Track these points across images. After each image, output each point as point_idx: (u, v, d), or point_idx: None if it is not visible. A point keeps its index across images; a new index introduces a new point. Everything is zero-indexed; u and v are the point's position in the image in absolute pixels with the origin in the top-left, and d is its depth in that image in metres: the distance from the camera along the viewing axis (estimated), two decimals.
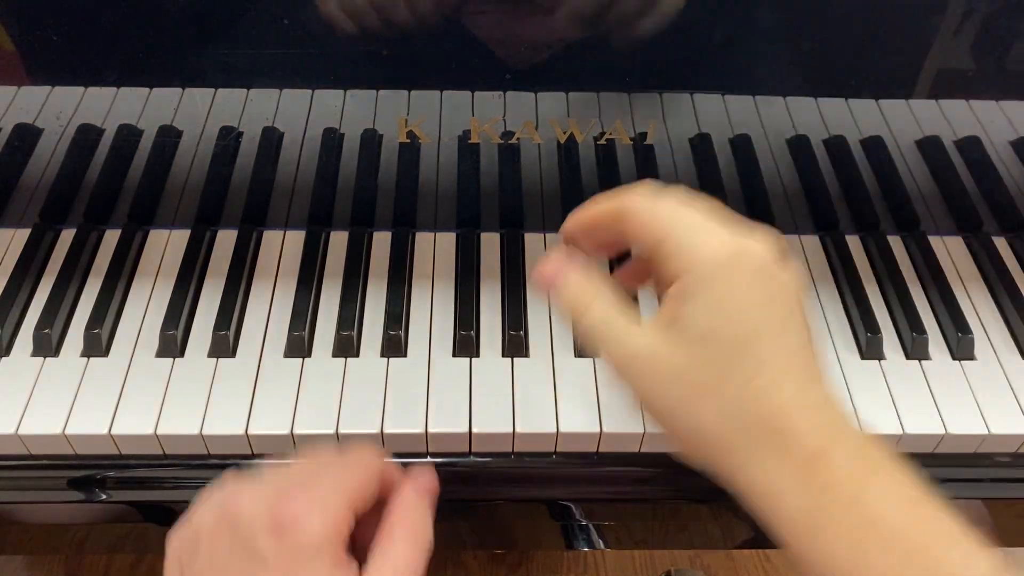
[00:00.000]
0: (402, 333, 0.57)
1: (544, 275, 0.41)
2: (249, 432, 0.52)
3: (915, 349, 0.58)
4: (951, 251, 0.67)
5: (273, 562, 0.36)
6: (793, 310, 0.37)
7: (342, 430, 0.52)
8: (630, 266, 0.45)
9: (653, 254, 0.38)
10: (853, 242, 0.66)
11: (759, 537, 0.63)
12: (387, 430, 0.51)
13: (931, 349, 0.59)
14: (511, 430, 0.52)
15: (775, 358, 0.36)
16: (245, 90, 0.56)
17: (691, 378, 0.36)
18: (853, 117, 0.59)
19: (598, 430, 0.52)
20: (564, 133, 0.57)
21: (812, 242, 0.66)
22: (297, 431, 0.52)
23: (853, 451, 0.35)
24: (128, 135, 0.58)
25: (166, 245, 0.64)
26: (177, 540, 0.40)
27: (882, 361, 0.58)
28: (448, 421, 0.52)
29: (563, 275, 0.40)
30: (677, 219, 0.38)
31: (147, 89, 0.55)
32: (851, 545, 0.34)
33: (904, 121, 0.59)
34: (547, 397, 0.54)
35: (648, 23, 0.52)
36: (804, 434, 0.35)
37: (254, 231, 0.64)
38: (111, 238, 0.64)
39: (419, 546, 0.39)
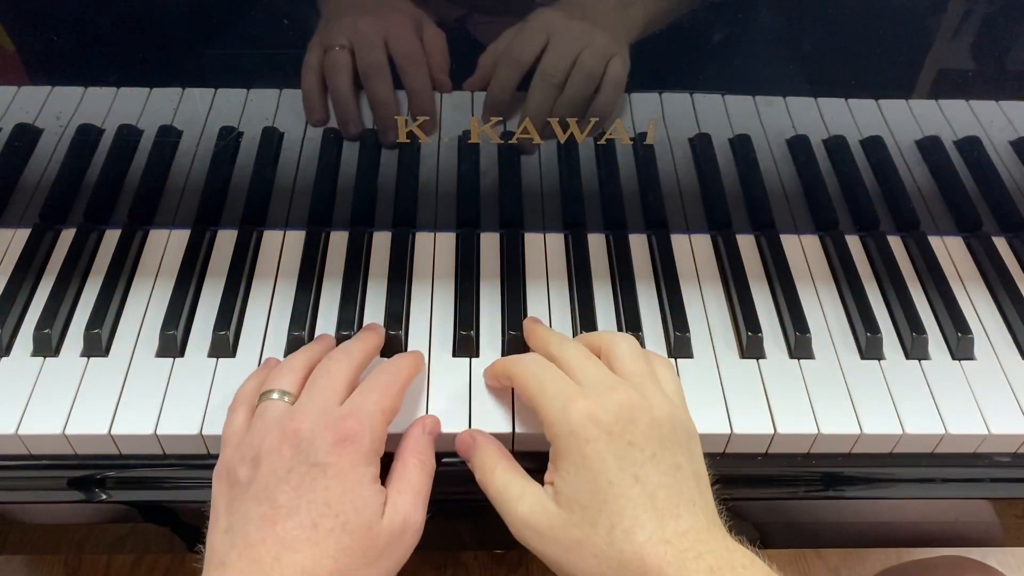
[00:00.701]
0: (402, 333, 0.57)
1: (464, 441, 0.51)
2: None
3: (915, 349, 0.58)
4: (951, 251, 0.67)
5: (333, 469, 0.44)
6: (650, 456, 0.44)
7: None
8: None
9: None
10: (853, 242, 0.66)
11: (763, 538, 0.63)
12: (388, 429, 0.51)
13: (931, 349, 0.59)
14: (511, 430, 0.52)
15: (632, 503, 0.43)
16: (245, 90, 0.56)
17: (567, 536, 0.44)
18: (853, 117, 0.59)
19: None
20: (564, 133, 0.57)
21: (812, 242, 0.66)
22: None
23: (704, 573, 0.41)
24: (128, 135, 0.58)
25: (166, 245, 0.64)
26: (227, 467, 0.46)
27: (882, 361, 0.58)
28: (448, 421, 0.52)
29: (477, 444, 0.50)
30: (543, 390, 0.47)
31: (147, 89, 0.55)
32: None
33: (904, 121, 0.59)
34: None
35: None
36: (660, 569, 0.41)
37: (254, 231, 0.64)
38: (111, 238, 0.64)
39: (427, 472, 0.48)
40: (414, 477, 0.47)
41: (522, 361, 0.50)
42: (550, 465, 0.46)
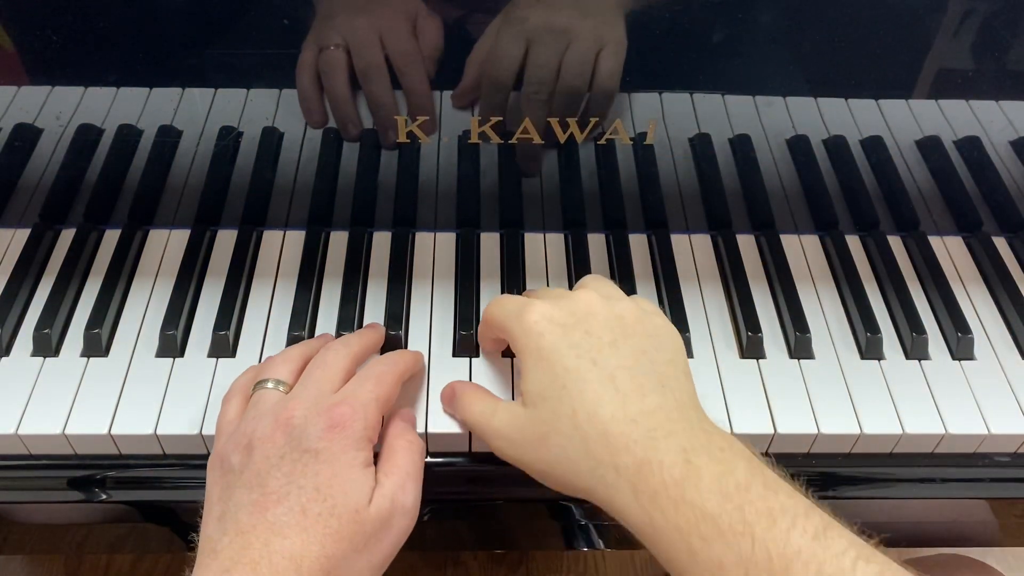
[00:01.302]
0: (402, 333, 0.57)
1: (446, 394, 0.52)
2: None
3: (915, 349, 0.58)
4: (951, 251, 0.67)
5: (324, 455, 0.43)
6: (609, 343, 0.44)
7: None
8: None
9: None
10: (853, 242, 0.66)
11: None
12: None
13: (931, 349, 0.59)
14: None
15: (590, 385, 0.43)
16: (245, 90, 0.56)
17: (535, 431, 0.44)
18: (853, 117, 0.59)
19: None
20: (564, 133, 0.57)
21: (812, 242, 0.66)
22: None
23: (676, 454, 0.40)
24: (128, 135, 0.58)
25: (166, 245, 0.64)
26: (220, 456, 0.46)
27: (882, 361, 0.58)
28: (449, 421, 0.52)
29: (456, 392, 0.51)
30: (507, 311, 0.48)
31: (147, 89, 0.55)
32: (684, 543, 0.39)
33: (904, 121, 0.59)
34: None
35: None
36: (627, 448, 0.41)
37: (254, 231, 0.64)
38: (111, 238, 0.64)
39: (415, 451, 0.48)
40: (401, 459, 0.47)
41: (494, 301, 0.51)
42: (517, 380, 0.47)
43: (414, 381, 0.54)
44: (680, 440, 0.41)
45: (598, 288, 0.49)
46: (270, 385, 0.48)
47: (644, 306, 0.49)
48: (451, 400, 0.51)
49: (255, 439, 0.45)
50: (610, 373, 0.43)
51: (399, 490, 0.45)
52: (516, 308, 0.47)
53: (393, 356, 0.52)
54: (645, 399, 0.43)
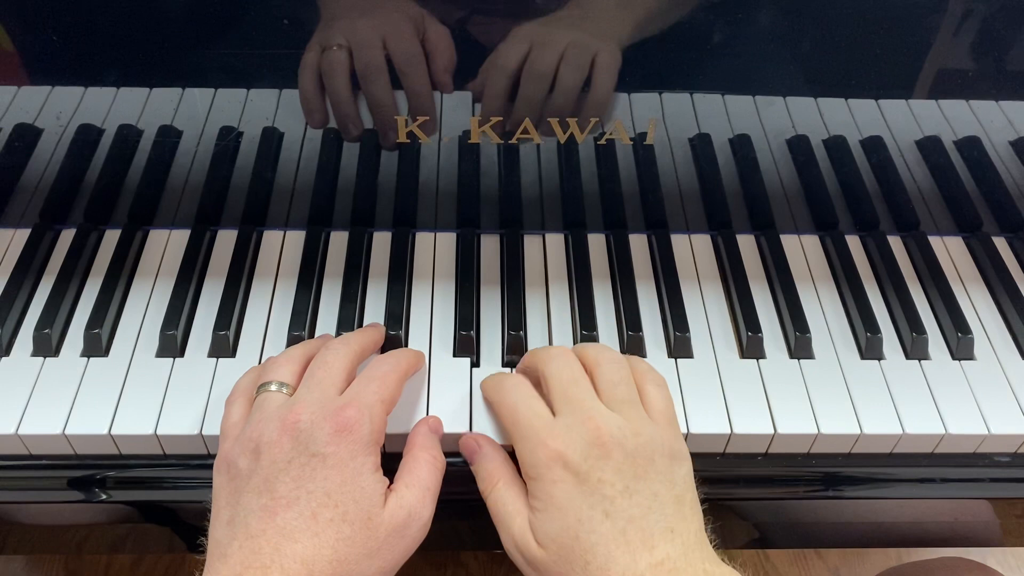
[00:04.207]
0: (402, 333, 0.57)
1: (469, 445, 0.51)
2: None
3: (915, 349, 0.58)
4: (951, 251, 0.67)
5: (332, 459, 0.44)
6: (622, 490, 0.44)
7: None
8: None
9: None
10: (853, 242, 0.66)
11: (763, 538, 0.63)
12: (388, 430, 0.51)
13: (931, 349, 0.59)
14: None
15: (603, 539, 0.43)
16: (245, 90, 0.56)
17: (547, 571, 0.44)
18: (853, 117, 0.59)
19: None
20: (564, 133, 0.57)
21: (812, 242, 0.66)
22: None
23: None
24: (128, 135, 0.58)
25: (166, 245, 0.64)
26: (227, 460, 0.46)
27: (882, 361, 0.58)
28: (449, 421, 0.52)
29: (482, 451, 0.50)
30: (516, 424, 0.47)
31: (147, 89, 0.55)
32: None
33: (904, 121, 0.59)
34: None
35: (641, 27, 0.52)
36: None
37: (254, 231, 0.64)
38: (111, 238, 0.64)
39: (437, 468, 0.48)
40: (424, 472, 0.47)
41: (502, 390, 0.50)
42: (530, 501, 0.46)
43: (414, 381, 0.54)
44: None
45: (610, 396, 0.48)
46: (273, 388, 0.48)
47: (657, 416, 0.48)
48: (472, 456, 0.51)
49: (262, 443, 0.45)
50: (622, 528, 0.43)
51: (418, 503, 0.46)
52: (531, 439, 0.46)
53: (395, 355, 0.51)
54: (654, 551, 0.43)
